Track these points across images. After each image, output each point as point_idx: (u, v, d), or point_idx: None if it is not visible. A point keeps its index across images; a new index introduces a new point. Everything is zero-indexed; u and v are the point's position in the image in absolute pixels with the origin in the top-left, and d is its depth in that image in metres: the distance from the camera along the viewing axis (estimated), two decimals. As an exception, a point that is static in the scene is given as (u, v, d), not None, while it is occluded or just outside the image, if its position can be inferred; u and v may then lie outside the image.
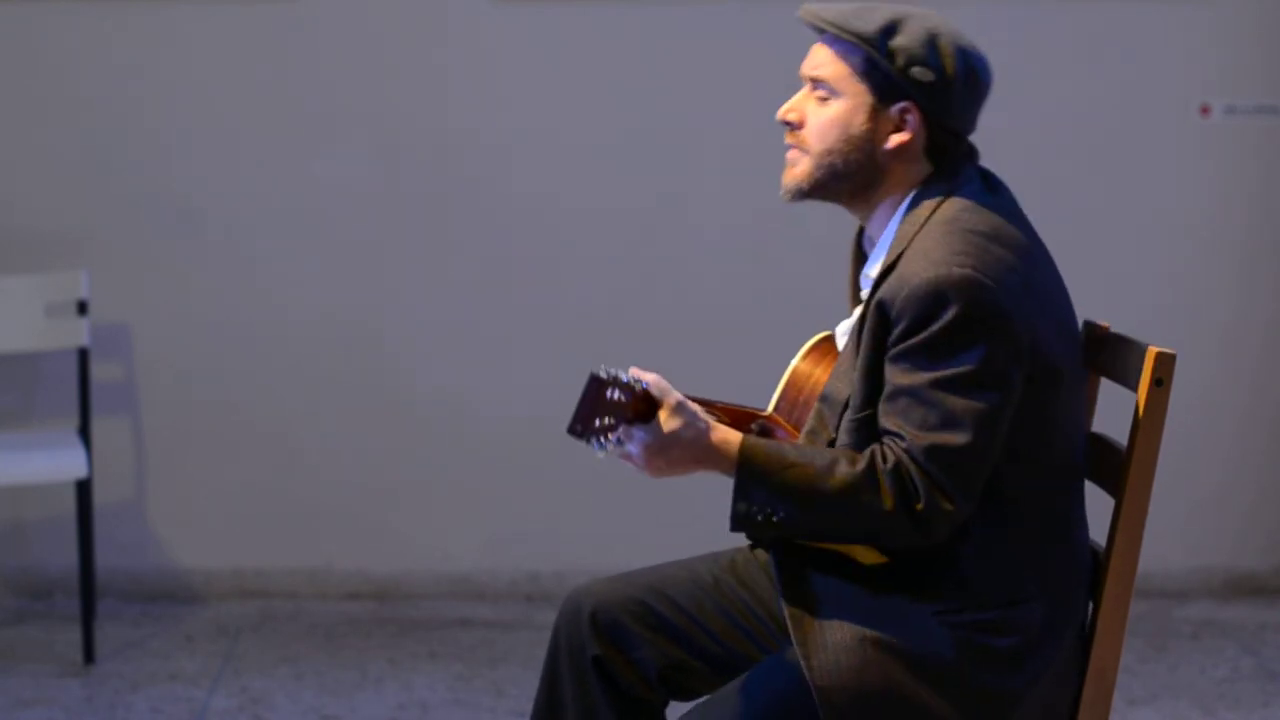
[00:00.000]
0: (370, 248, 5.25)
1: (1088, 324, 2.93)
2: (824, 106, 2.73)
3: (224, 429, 5.28)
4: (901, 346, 2.59)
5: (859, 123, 2.71)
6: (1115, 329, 2.89)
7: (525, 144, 5.24)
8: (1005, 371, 2.57)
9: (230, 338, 5.25)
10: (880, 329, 2.62)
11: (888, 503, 2.57)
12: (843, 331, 2.83)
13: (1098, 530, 2.81)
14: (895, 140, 2.70)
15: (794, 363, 2.89)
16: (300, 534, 5.31)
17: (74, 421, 5.07)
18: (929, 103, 2.69)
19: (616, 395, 2.59)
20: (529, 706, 2.92)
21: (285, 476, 5.29)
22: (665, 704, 2.89)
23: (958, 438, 2.55)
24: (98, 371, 5.17)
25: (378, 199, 5.24)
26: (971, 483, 2.58)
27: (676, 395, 2.65)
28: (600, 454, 2.64)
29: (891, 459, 2.58)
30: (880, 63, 2.68)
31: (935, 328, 2.56)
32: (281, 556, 5.32)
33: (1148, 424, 2.68)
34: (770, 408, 2.89)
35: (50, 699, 4.53)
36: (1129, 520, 2.69)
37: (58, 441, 4.91)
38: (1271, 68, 5.30)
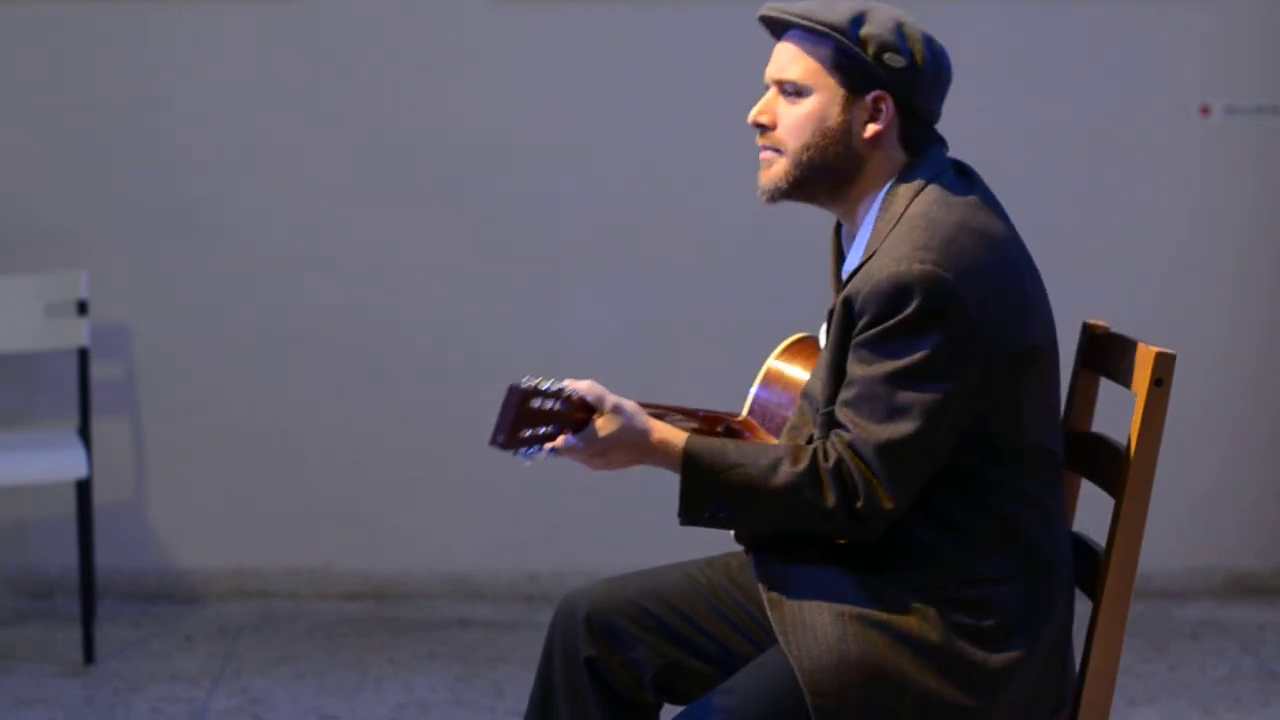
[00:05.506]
0: (368, 248, 5.25)
1: (1087, 324, 2.93)
2: (796, 104, 2.72)
3: (224, 429, 5.28)
4: (861, 338, 2.62)
5: (834, 115, 2.70)
6: (1115, 329, 2.89)
7: (524, 143, 5.24)
8: (959, 361, 2.59)
9: (230, 337, 5.25)
10: (846, 324, 2.65)
11: (829, 501, 2.61)
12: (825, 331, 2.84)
13: (1098, 530, 2.81)
14: (871, 130, 2.70)
15: (769, 360, 2.91)
16: (300, 534, 5.31)
17: (74, 421, 5.07)
18: (902, 90, 2.70)
19: (548, 405, 2.59)
20: (529, 706, 2.93)
21: (285, 476, 5.29)
22: (659, 708, 2.89)
23: (904, 428, 2.58)
24: (98, 371, 5.17)
25: (376, 198, 5.24)
26: (914, 478, 2.61)
27: (613, 400, 2.68)
28: (527, 464, 2.66)
29: (834, 456, 2.61)
30: (853, 51, 2.68)
31: (893, 321, 2.58)
32: (281, 556, 5.32)
33: (1148, 424, 2.69)
34: (746, 406, 2.90)
35: (50, 699, 4.53)
36: (1129, 520, 2.70)
37: (58, 441, 4.91)
38: (1271, 68, 5.30)
